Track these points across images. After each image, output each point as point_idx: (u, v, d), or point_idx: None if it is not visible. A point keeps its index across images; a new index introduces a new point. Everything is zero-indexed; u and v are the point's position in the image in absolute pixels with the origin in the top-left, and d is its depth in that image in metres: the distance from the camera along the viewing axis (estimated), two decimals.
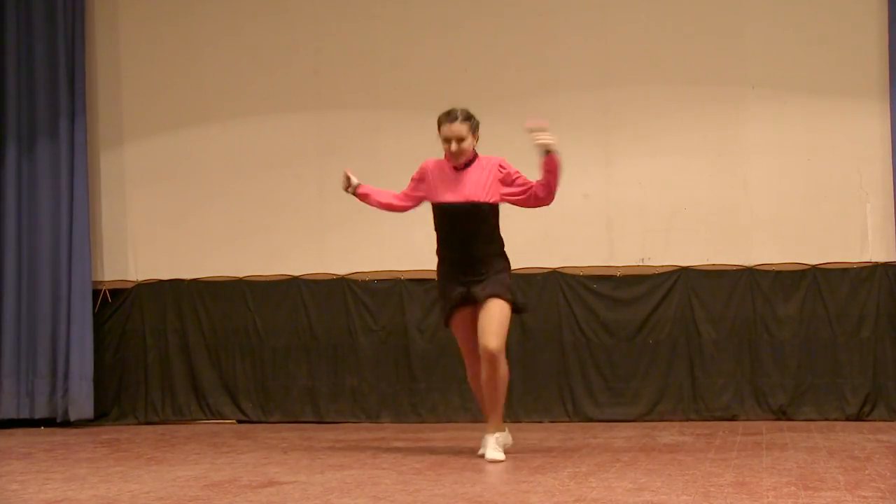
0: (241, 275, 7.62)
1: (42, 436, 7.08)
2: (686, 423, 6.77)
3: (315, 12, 7.59)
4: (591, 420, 7.01)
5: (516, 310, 5.34)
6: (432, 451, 5.66)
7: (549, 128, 5.25)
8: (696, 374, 6.98)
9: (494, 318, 5.19)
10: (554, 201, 5.42)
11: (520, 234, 7.19)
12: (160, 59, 7.81)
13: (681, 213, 7.09)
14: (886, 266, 6.80)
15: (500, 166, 5.35)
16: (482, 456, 5.30)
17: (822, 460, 4.97)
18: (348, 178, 5.59)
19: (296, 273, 7.53)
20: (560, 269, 7.20)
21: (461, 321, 5.34)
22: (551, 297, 7.17)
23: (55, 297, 7.58)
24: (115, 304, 7.76)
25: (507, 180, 5.32)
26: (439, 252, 5.42)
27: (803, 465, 4.79)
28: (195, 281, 7.67)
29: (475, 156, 5.37)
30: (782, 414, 6.82)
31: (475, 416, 7.17)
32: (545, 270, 7.20)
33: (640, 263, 7.11)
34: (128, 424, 7.60)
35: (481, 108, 7.31)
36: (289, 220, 7.61)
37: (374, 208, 5.68)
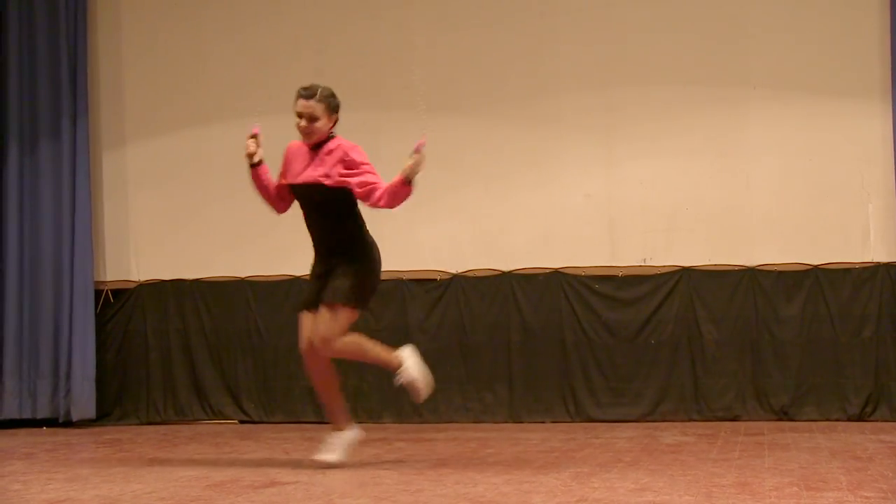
0: (243, 275, 7.62)
1: (44, 436, 7.08)
2: (688, 424, 6.76)
3: (317, 13, 7.58)
4: (593, 420, 7.00)
5: (359, 308, 5.00)
6: (434, 451, 5.65)
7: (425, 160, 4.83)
8: (698, 374, 6.97)
9: (326, 322, 4.93)
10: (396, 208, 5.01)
11: (521, 234, 7.22)
12: (162, 60, 7.81)
13: (682, 213, 7.08)
14: (888, 266, 6.80)
15: (348, 151, 4.96)
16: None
17: (824, 461, 4.96)
18: (255, 145, 5.11)
19: (297, 273, 7.51)
20: (562, 270, 7.20)
21: (305, 315, 5.06)
22: (553, 297, 7.17)
23: (57, 298, 7.59)
24: (117, 304, 7.76)
25: (349, 165, 4.94)
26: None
27: (805, 466, 4.79)
28: (197, 281, 7.67)
29: (330, 137, 5.02)
30: (784, 414, 6.82)
31: (477, 416, 7.19)
32: (547, 270, 7.20)
33: (642, 264, 7.11)
34: (130, 425, 7.60)
35: (484, 108, 7.36)
36: (290, 220, 7.53)
37: (269, 198, 5.23)
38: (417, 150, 4.77)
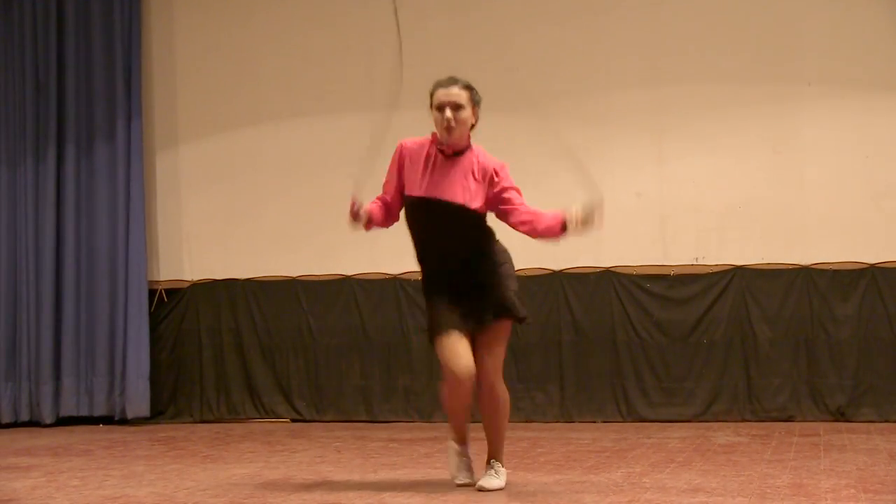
0: (294, 274, 7.67)
1: (101, 433, 7.20)
2: (741, 424, 6.70)
3: (367, 14, 7.61)
4: (644, 420, 6.96)
5: (519, 321, 4.41)
6: (485, 450, 5.64)
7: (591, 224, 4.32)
8: (752, 374, 6.90)
9: (494, 342, 4.32)
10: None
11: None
12: (215, 62, 7.90)
13: (735, 211, 7.01)
14: None
15: (497, 171, 4.34)
16: (466, 484, 4.43)
17: (882, 462, 4.89)
18: (358, 211, 4.41)
19: (349, 273, 7.57)
20: (613, 269, 7.16)
21: (455, 339, 4.25)
22: (604, 296, 7.13)
23: (113, 297, 7.71)
24: (170, 303, 7.86)
25: (501, 195, 4.34)
26: (420, 261, 4.44)
27: (863, 468, 4.72)
28: (249, 281, 7.75)
29: (469, 145, 4.39)
30: (840, 415, 6.72)
31: (528, 415, 7.17)
32: (598, 270, 7.17)
33: (695, 262, 7.05)
34: (183, 423, 7.69)
35: (534, 107, 7.33)
36: (341, 220, 7.61)
37: (387, 224, 4.58)
38: (593, 212, 4.23)
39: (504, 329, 4.37)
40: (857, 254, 6.81)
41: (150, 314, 7.74)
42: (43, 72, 7.80)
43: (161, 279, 7.88)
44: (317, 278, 7.65)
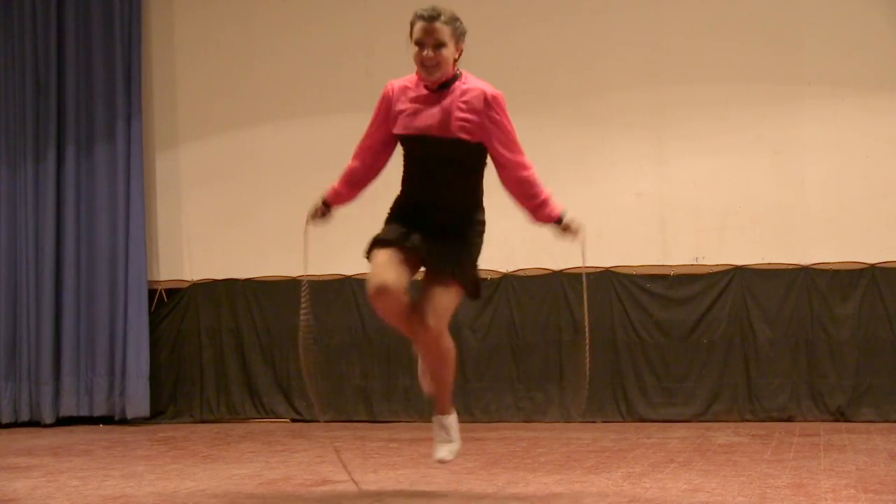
0: (294, 274, 7.67)
1: (101, 433, 7.20)
2: (741, 424, 6.70)
3: (367, 14, 7.62)
4: (644, 420, 6.96)
5: (471, 294, 4.12)
6: (485, 450, 5.65)
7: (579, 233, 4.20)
8: (752, 374, 6.90)
9: (438, 297, 3.98)
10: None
11: None
12: (214, 62, 7.91)
13: (735, 211, 7.02)
14: None
15: (489, 101, 4.01)
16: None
17: (882, 463, 4.89)
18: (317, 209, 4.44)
19: (349, 273, 7.57)
20: (613, 269, 7.16)
21: (394, 259, 3.99)
22: (604, 296, 7.14)
23: (112, 297, 7.71)
24: (170, 303, 7.87)
25: (498, 125, 4.03)
26: (403, 185, 4.19)
27: (863, 468, 4.72)
28: (249, 280, 7.75)
29: (457, 74, 4.10)
30: (840, 415, 6.72)
31: (528, 415, 7.17)
32: (598, 269, 7.17)
33: (694, 262, 7.06)
34: (184, 423, 7.69)
35: (534, 107, 7.34)
36: (341, 220, 7.62)
37: (356, 195, 4.44)
38: (574, 232, 4.12)
39: (454, 288, 4.01)
40: (857, 254, 6.81)
41: (150, 314, 7.75)
42: (43, 72, 7.80)
43: (161, 279, 7.89)
44: (317, 278, 7.64)
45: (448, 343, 4.07)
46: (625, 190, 7.19)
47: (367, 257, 4.11)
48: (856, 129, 6.87)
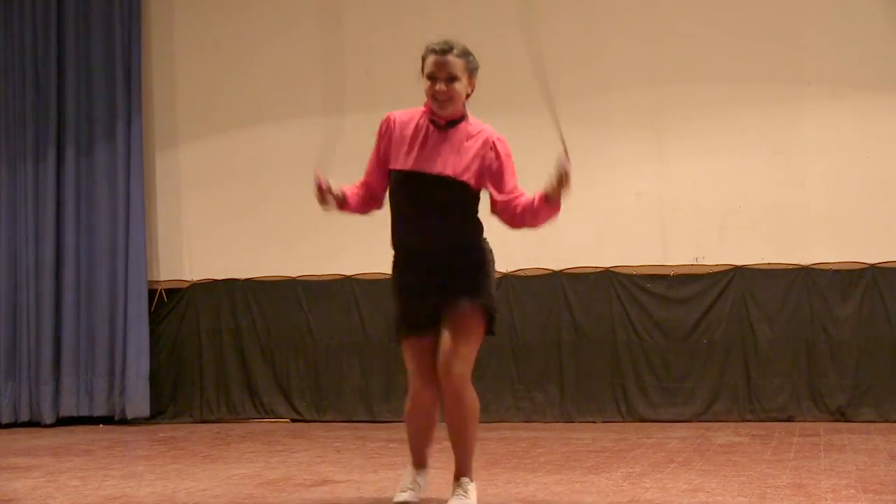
0: (294, 274, 7.68)
1: (101, 433, 7.20)
2: (741, 424, 6.70)
3: (367, 14, 7.63)
4: (644, 420, 6.96)
5: (490, 331, 3.97)
6: (485, 450, 5.65)
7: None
8: (752, 374, 6.90)
9: (461, 336, 3.84)
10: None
11: (572, 234, 7.18)
12: (214, 62, 7.91)
13: (735, 211, 7.02)
14: None
15: (495, 143, 3.95)
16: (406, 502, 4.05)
17: (882, 463, 4.89)
18: (328, 188, 4.03)
19: (349, 273, 7.57)
20: (613, 269, 7.16)
21: (421, 345, 3.93)
22: (604, 296, 7.14)
23: (112, 297, 7.71)
24: (170, 303, 7.86)
25: (494, 169, 3.94)
26: (395, 241, 4.04)
27: (863, 468, 4.72)
28: (249, 280, 7.75)
29: (464, 114, 3.98)
30: (840, 415, 6.72)
31: (528, 416, 7.17)
32: (598, 270, 7.17)
33: (695, 262, 7.06)
34: (183, 423, 7.69)
35: (534, 107, 7.32)
36: (340, 219, 7.61)
37: (364, 212, 4.26)
38: (563, 167, 3.91)
39: (475, 322, 3.86)
40: (857, 254, 6.81)
41: (151, 314, 7.75)
42: (43, 72, 7.80)
43: (161, 279, 7.89)
44: (317, 278, 7.65)
45: (473, 394, 3.92)
46: (625, 190, 7.19)
47: (398, 344, 4.05)
48: (856, 129, 6.87)
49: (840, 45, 6.90)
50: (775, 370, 6.87)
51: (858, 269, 6.80)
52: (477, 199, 3.99)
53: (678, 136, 7.13)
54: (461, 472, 3.97)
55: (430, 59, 3.87)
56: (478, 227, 4.02)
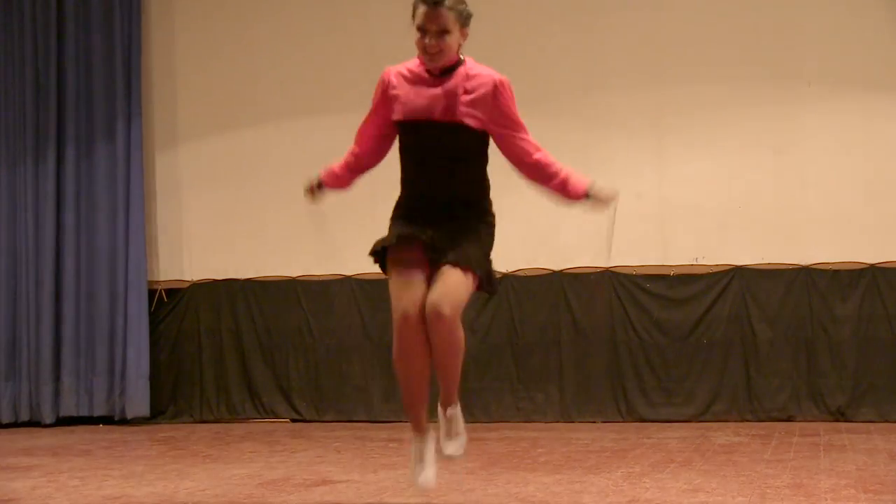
0: (294, 275, 7.68)
1: (101, 433, 7.20)
2: (741, 424, 6.70)
3: (367, 15, 7.62)
4: (644, 420, 6.96)
5: (486, 289, 3.96)
6: (485, 450, 5.65)
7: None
8: (752, 374, 6.90)
9: (452, 285, 3.77)
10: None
11: (573, 233, 7.19)
12: (215, 63, 7.91)
13: (735, 211, 7.02)
14: None
15: (498, 86, 3.88)
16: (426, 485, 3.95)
17: (882, 463, 4.89)
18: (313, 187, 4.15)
19: (348, 273, 7.57)
20: (613, 269, 7.16)
21: (407, 266, 3.85)
22: (605, 296, 7.13)
23: (112, 297, 7.71)
24: (170, 303, 7.86)
25: (501, 111, 3.87)
26: (403, 185, 4.02)
27: (863, 468, 4.72)
28: (249, 281, 7.75)
29: (460, 59, 3.92)
30: (840, 415, 6.72)
31: (528, 415, 7.17)
32: (598, 269, 7.17)
33: (695, 262, 7.05)
34: (183, 423, 7.69)
35: (535, 105, 7.32)
36: (341, 220, 7.66)
37: (353, 181, 4.22)
38: (609, 199, 4.04)
39: (468, 276, 3.79)
40: (857, 254, 6.81)
41: (150, 314, 7.75)
42: (43, 73, 7.80)
43: (161, 279, 7.89)
44: (317, 278, 7.65)
45: (461, 332, 3.86)
46: (625, 190, 7.15)
47: (378, 263, 4.00)
48: (856, 130, 6.87)
49: (840, 46, 6.89)
50: (775, 370, 6.87)
51: (858, 270, 6.80)
52: (482, 148, 3.93)
53: (678, 136, 7.13)
54: (448, 401, 4.05)
55: (421, 9, 3.79)
56: (486, 184, 3.97)
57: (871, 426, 6.43)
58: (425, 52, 3.82)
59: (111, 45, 7.78)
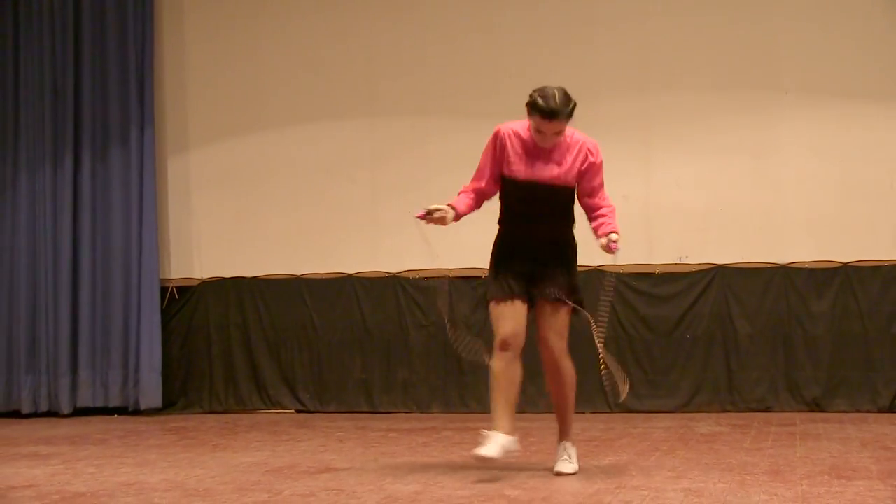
0: (299, 273, 7.69)
1: (116, 423, 7.21)
2: (722, 415, 6.72)
3: (368, 24, 7.64)
4: (631, 411, 6.97)
5: (577, 303, 4.43)
6: (476, 440, 5.66)
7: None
8: (732, 367, 6.92)
9: (559, 319, 4.35)
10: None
11: None
12: (224, 71, 7.91)
13: (717, 213, 7.04)
14: None
15: (590, 153, 4.41)
16: (486, 457, 4.23)
17: (854, 451, 4.91)
18: (440, 213, 4.35)
19: (350, 271, 7.59)
20: (601, 268, 7.17)
21: (514, 302, 4.32)
22: (593, 293, 7.12)
23: (126, 294, 7.72)
24: (181, 300, 7.87)
25: (585, 169, 4.38)
26: (503, 225, 4.45)
27: (836, 455, 4.74)
28: (256, 279, 7.76)
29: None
30: (816, 406, 6.75)
31: (519, 406, 7.13)
32: (587, 268, 7.17)
33: (678, 262, 7.08)
34: (194, 413, 7.70)
35: (523, 114, 7.33)
36: (344, 221, 7.67)
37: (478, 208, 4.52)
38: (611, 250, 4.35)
39: (565, 309, 4.35)
40: (832, 253, 6.84)
41: (162, 310, 7.76)
42: (61, 81, 7.82)
43: (172, 277, 7.90)
44: (320, 277, 7.66)
45: (570, 365, 4.42)
46: (613, 193, 7.16)
47: (487, 307, 4.45)
48: (831, 136, 6.89)
49: (816, 56, 6.92)
50: (754, 363, 6.89)
51: (833, 268, 6.82)
52: (574, 198, 4.43)
53: (663, 141, 7.15)
54: (564, 435, 4.46)
55: (537, 117, 4.20)
56: (572, 221, 4.45)
57: (845, 416, 6.46)
58: (541, 141, 4.28)
59: (125, 56, 7.79)
